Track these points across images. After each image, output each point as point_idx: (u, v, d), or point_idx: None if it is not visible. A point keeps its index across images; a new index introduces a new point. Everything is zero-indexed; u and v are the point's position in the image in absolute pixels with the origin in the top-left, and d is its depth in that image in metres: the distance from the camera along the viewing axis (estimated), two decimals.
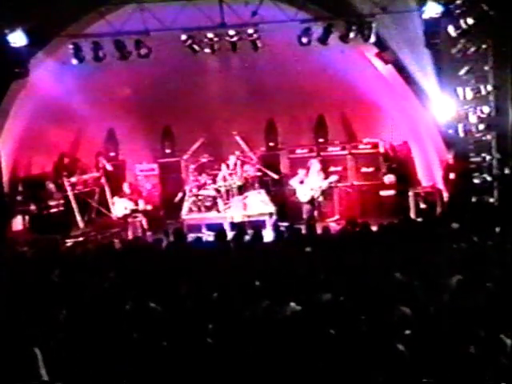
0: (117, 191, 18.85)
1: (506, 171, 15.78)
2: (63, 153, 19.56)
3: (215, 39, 15.80)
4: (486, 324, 7.04)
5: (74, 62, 15.75)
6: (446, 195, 17.21)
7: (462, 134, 16.42)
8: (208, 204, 18.11)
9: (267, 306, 8.27)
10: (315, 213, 17.51)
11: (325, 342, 7.02)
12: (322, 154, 19.37)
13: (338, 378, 6.41)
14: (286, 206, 18.80)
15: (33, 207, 17.70)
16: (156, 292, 9.10)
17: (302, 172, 17.69)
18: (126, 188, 18.37)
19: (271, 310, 8.15)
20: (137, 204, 17.92)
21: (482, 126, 16.13)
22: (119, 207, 17.95)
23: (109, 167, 19.45)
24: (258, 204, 17.89)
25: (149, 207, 18.25)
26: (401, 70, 17.02)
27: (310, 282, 9.13)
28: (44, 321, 8.13)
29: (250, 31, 15.64)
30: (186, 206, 18.35)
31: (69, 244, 16.28)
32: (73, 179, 18.66)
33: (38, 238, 16.05)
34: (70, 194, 18.39)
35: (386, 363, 6.44)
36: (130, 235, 17.43)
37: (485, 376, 6.15)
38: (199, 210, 18.13)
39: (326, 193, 17.81)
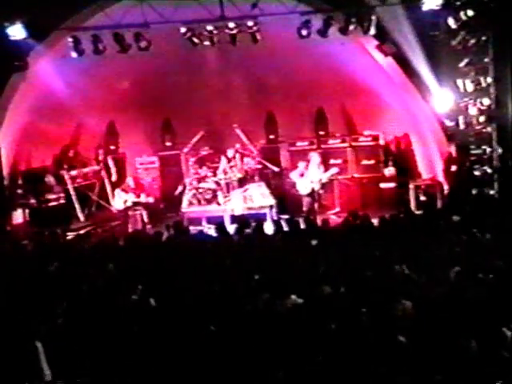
0: (117, 184, 18.85)
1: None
2: (67, 145, 19.58)
3: (215, 32, 15.75)
4: (487, 316, 7.04)
5: (74, 55, 15.72)
6: (446, 187, 17.21)
7: (462, 127, 16.42)
8: (208, 197, 18.08)
9: (268, 299, 8.28)
10: (315, 205, 17.51)
11: (326, 334, 7.03)
12: (322, 146, 19.33)
13: (339, 371, 6.41)
14: (286, 198, 18.76)
15: (33, 200, 17.71)
16: (156, 285, 9.12)
17: (302, 165, 17.68)
18: (130, 182, 18.33)
19: (272, 302, 8.16)
20: (138, 196, 17.90)
21: (482, 118, 16.12)
22: (119, 200, 17.92)
23: (111, 164, 19.47)
24: (258, 197, 17.85)
25: (151, 200, 18.20)
26: (401, 62, 16.98)
27: (311, 275, 9.14)
28: (44, 314, 8.14)
29: (250, 24, 15.59)
30: (186, 198, 18.32)
31: (69, 237, 16.27)
32: (73, 172, 18.66)
33: (38, 232, 16.04)
34: (70, 187, 18.39)
35: (387, 355, 6.44)
36: (131, 228, 17.41)
37: (486, 368, 6.16)
38: (199, 203, 18.11)
39: (327, 185, 17.81)
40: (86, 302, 8.51)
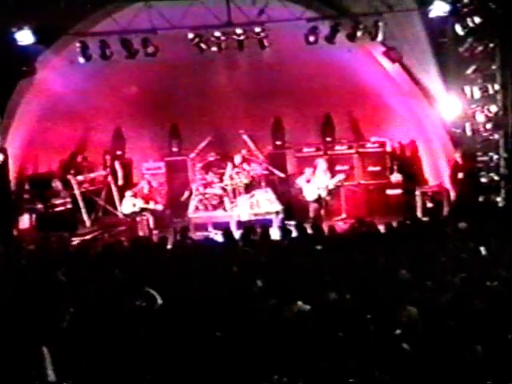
0: (123, 189, 18.86)
1: None
2: (75, 150, 19.62)
3: (222, 38, 15.79)
4: (493, 324, 7.02)
5: (81, 60, 15.77)
6: (453, 194, 17.19)
7: (469, 133, 16.41)
8: (214, 203, 18.10)
9: (274, 305, 8.27)
10: (322, 212, 17.51)
11: (331, 340, 7.03)
12: (328, 152, 19.32)
13: (344, 377, 6.40)
14: (292, 204, 18.75)
15: (40, 205, 17.72)
16: (162, 290, 9.11)
17: (308, 171, 17.70)
18: (144, 185, 18.29)
19: (278, 308, 8.16)
20: (147, 203, 17.89)
21: (489, 125, 16.11)
22: (128, 203, 17.88)
23: (118, 169, 19.49)
24: (265, 203, 17.86)
25: (159, 207, 18.19)
26: (408, 68, 16.99)
27: (318, 281, 9.13)
28: (50, 319, 8.14)
29: (257, 30, 15.63)
30: (192, 204, 18.33)
31: (75, 243, 16.28)
32: (79, 177, 18.68)
33: (45, 237, 16.05)
34: (76, 192, 18.41)
35: (391, 362, 6.43)
36: (138, 233, 17.41)
37: (491, 376, 6.14)
38: (206, 209, 18.13)
39: (333, 192, 17.80)
40: (92, 307, 8.52)
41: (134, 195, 18.04)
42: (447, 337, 6.70)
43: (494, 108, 15.93)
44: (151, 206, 17.90)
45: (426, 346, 6.64)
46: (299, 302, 8.21)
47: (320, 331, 7.22)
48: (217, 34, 15.73)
